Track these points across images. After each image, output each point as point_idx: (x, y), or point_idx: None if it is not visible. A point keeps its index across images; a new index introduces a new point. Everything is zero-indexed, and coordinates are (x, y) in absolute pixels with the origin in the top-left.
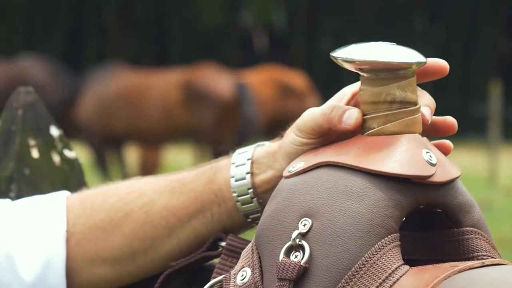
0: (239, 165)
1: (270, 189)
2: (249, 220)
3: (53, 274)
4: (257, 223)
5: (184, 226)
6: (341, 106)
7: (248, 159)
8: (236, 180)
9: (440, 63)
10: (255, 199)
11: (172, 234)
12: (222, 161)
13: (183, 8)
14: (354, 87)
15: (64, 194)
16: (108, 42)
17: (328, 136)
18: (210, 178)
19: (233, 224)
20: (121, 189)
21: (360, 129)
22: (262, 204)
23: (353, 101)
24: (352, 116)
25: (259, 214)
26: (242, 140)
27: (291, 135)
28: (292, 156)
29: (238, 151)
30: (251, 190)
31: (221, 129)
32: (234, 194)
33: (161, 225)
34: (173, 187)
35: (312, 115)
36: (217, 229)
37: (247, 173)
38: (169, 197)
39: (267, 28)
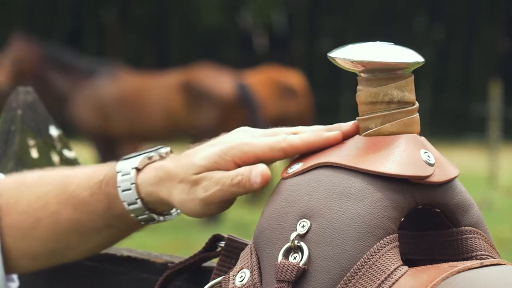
0: (125, 190)
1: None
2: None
3: None
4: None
5: (95, 235)
6: (246, 168)
7: (132, 184)
8: (129, 205)
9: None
10: (152, 214)
11: (87, 239)
12: (111, 181)
13: (183, 8)
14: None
15: None
16: (108, 42)
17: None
18: (108, 204)
19: (141, 228)
20: (30, 191)
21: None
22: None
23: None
24: (257, 173)
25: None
26: None
27: (192, 203)
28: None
29: (119, 169)
30: (147, 212)
31: (222, 129)
32: (135, 218)
33: (72, 233)
34: (74, 203)
35: (222, 185)
36: (129, 233)
37: (136, 199)
38: (73, 212)
39: (267, 28)
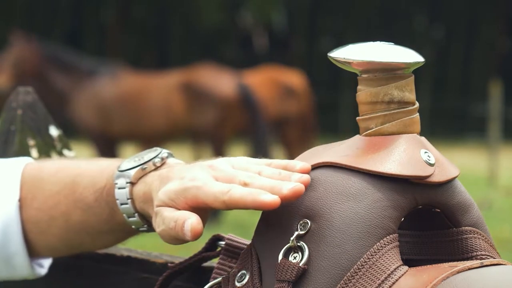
0: (123, 204)
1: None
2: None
3: (12, 241)
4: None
5: (104, 236)
6: (182, 216)
7: (128, 199)
8: (129, 217)
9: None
10: (152, 227)
11: (97, 240)
12: (111, 191)
13: (183, 8)
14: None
15: (24, 160)
16: (108, 43)
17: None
18: (110, 212)
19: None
20: (45, 188)
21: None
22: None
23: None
24: (187, 227)
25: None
26: (260, 147)
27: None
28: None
29: (116, 181)
30: (146, 225)
31: (223, 129)
32: (136, 228)
33: (83, 233)
34: (82, 206)
35: (165, 226)
36: (137, 234)
37: (134, 213)
38: (81, 214)
39: (267, 28)
